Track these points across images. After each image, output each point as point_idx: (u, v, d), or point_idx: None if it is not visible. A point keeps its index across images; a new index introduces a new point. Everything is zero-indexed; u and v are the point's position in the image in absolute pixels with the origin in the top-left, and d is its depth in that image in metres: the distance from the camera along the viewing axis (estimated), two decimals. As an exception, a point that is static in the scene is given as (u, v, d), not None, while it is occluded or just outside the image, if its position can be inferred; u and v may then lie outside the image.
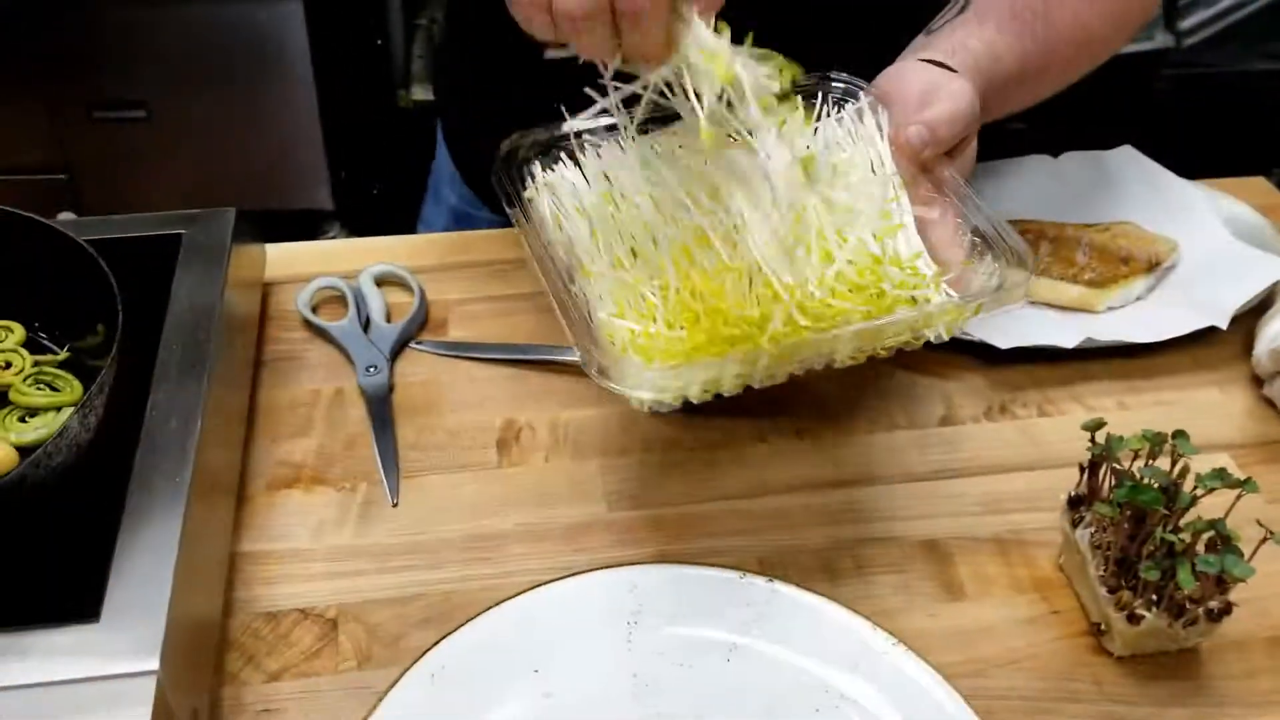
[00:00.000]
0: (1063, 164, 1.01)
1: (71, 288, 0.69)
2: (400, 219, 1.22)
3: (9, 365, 0.68)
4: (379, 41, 2.37)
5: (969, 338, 0.83)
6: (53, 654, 0.54)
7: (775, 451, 0.79)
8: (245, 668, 0.66)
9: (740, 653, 0.66)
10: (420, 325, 0.89)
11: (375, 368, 0.84)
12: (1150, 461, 0.65)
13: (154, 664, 0.53)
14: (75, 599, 0.57)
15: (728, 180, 0.65)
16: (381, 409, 0.81)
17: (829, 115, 0.74)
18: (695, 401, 0.64)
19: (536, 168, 0.73)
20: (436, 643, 0.65)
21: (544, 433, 0.80)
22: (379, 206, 2.20)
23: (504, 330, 0.89)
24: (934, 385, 0.84)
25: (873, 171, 0.71)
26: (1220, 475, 0.63)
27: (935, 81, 0.72)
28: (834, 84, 0.74)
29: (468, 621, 0.66)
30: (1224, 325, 0.85)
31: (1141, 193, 0.97)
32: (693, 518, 0.75)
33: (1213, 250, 0.91)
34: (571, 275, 0.67)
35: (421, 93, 2.41)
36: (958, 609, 0.70)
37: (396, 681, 0.63)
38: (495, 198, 0.73)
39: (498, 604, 0.68)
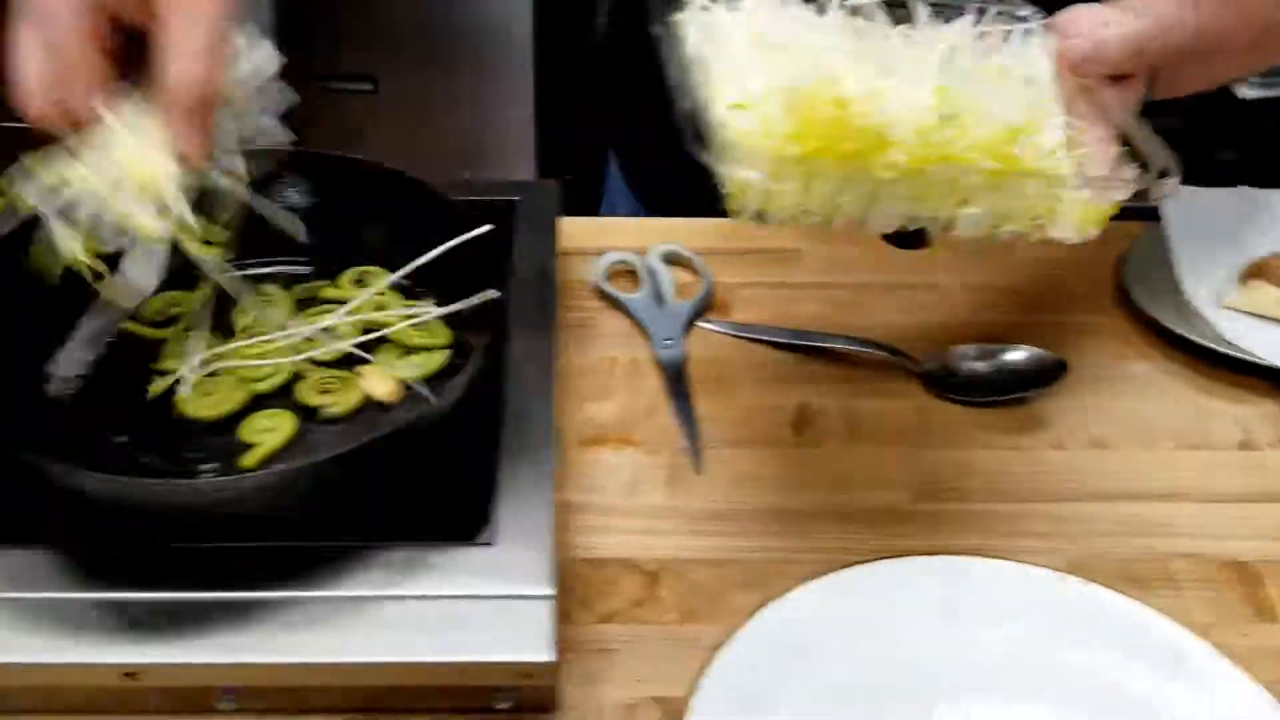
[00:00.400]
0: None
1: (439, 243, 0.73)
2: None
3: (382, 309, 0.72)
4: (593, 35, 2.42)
5: (1263, 362, 0.83)
6: (454, 570, 0.57)
7: (1073, 460, 0.80)
8: (577, 608, 0.68)
9: (1054, 651, 0.66)
10: (706, 305, 0.91)
11: (671, 341, 0.86)
12: None
13: (550, 589, 0.56)
14: (467, 524, 0.59)
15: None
16: (679, 381, 0.83)
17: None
18: (789, 219, 0.61)
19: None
20: (763, 605, 0.67)
21: (838, 419, 0.82)
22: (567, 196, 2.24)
23: (785, 315, 0.91)
24: (1228, 409, 0.84)
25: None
26: None
27: (1112, 18, 0.70)
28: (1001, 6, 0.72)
29: (795, 588, 0.68)
30: None
31: None
32: (995, 516, 0.76)
33: None
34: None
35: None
36: (1270, 630, 0.70)
37: (730, 638, 0.65)
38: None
39: (819, 575, 0.69)
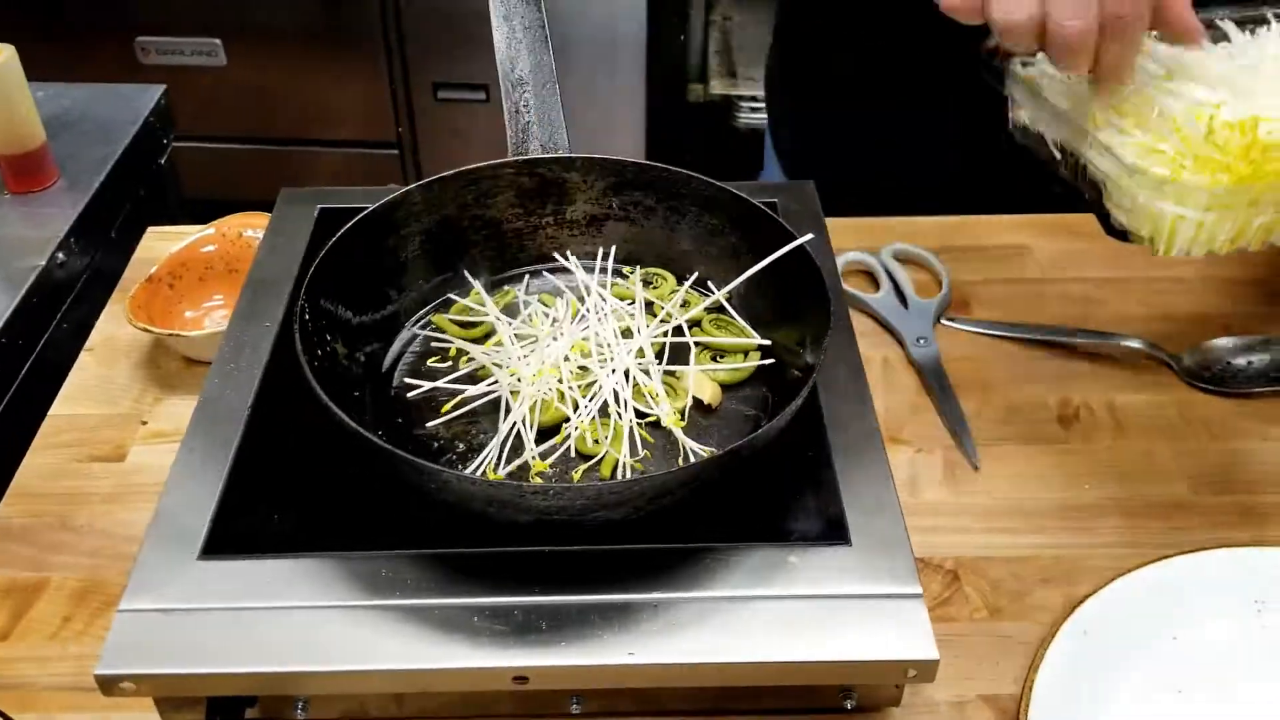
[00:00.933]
0: None
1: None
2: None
3: (685, 304, 0.73)
4: (681, 37, 2.43)
5: None
6: (817, 570, 0.57)
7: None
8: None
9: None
10: (948, 303, 0.91)
11: (924, 340, 0.87)
12: None
13: (917, 587, 0.56)
14: (821, 526, 0.60)
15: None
16: (939, 378, 0.84)
17: None
18: (1211, 248, 0.63)
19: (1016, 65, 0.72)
20: (1083, 601, 0.67)
21: (1103, 414, 0.82)
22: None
23: (1025, 312, 0.91)
24: None
25: None
26: None
27: None
28: None
29: (1105, 585, 0.68)
30: None
31: None
32: (1276, 506, 0.75)
33: None
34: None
35: (721, 87, 2.46)
36: None
37: (1053, 635, 0.66)
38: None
39: (1116, 568, 0.69)
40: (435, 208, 0.73)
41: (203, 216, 0.95)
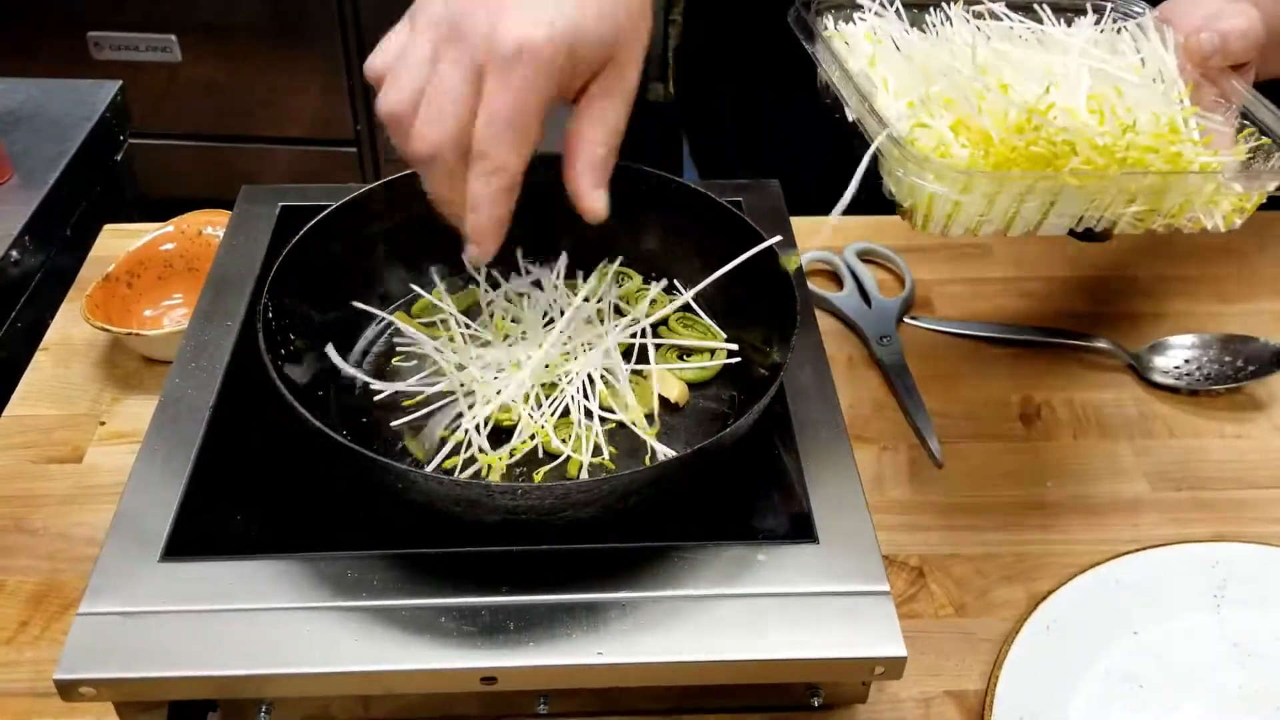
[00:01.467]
0: None
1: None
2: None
3: (653, 303, 0.73)
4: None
5: None
6: (786, 569, 0.58)
7: (1306, 446, 0.81)
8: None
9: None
10: (910, 302, 0.92)
11: (888, 338, 0.87)
12: None
13: (885, 584, 0.57)
14: (789, 523, 0.60)
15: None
16: (903, 377, 0.84)
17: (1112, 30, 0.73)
18: (970, 228, 0.62)
19: (829, 20, 0.72)
20: (1045, 597, 0.68)
21: (1064, 411, 0.83)
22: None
23: (985, 310, 0.92)
24: None
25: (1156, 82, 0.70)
26: None
27: (1219, 9, 0.71)
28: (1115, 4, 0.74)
29: (1067, 581, 0.69)
30: None
31: None
32: (1235, 502, 0.77)
33: None
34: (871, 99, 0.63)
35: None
36: None
37: (1017, 631, 0.66)
38: None
39: (1080, 567, 0.70)
40: (401, 205, 0.72)
41: (160, 214, 0.93)
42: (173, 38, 2.03)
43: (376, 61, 0.58)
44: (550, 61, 0.54)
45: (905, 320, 0.90)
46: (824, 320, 0.90)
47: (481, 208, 0.56)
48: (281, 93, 2.10)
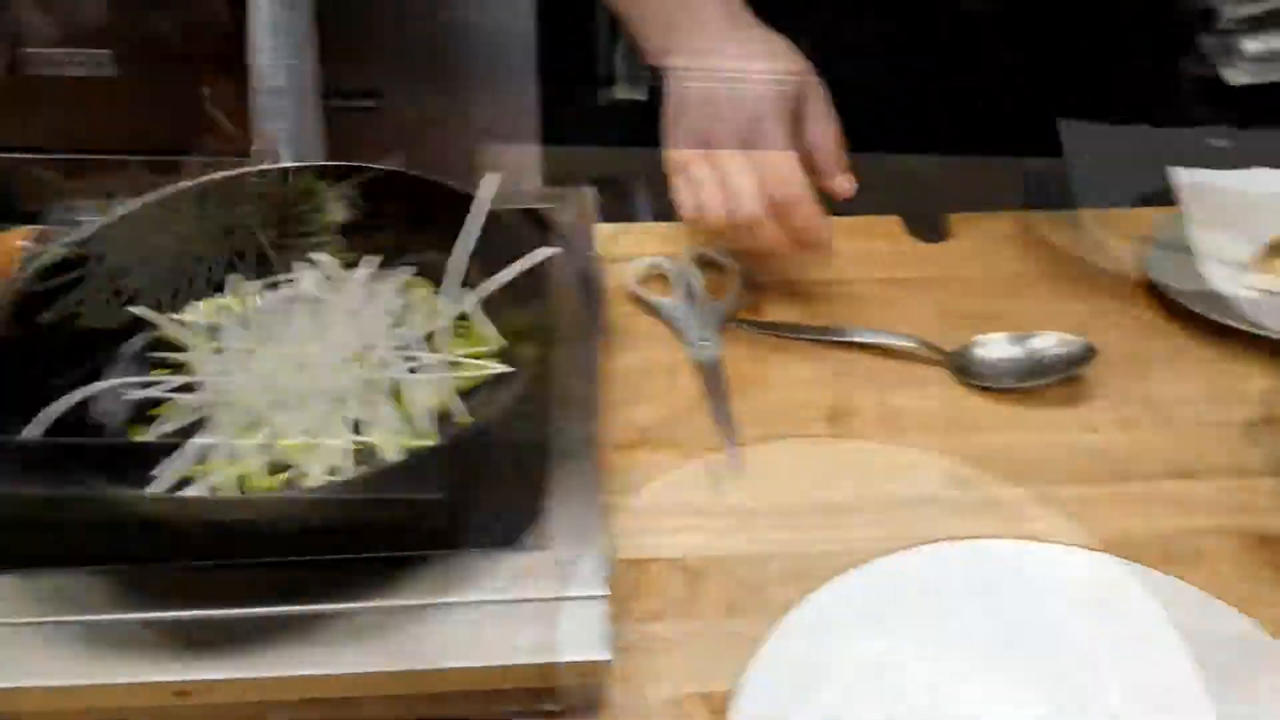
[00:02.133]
0: None
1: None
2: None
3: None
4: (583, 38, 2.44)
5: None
6: (505, 575, 0.59)
7: (1105, 441, 0.82)
8: (622, 609, 0.71)
9: (1091, 628, 0.68)
10: (738, 305, 0.93)
11: (706, 341, 0.89)
12: None
13: (603, 589, 0.58)
14: (518, 529, 0.62)
15: None
16: (716, 381, 0.86)
17: None
18: None
19: None
20: (805, 597, 0.69)
21: (872, 412, 0.84)
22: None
23: (816, 312, 0.93)
24: (1254, 387, 0.85)
25: None
26: None
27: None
28: None
29: (832, 579, 0.70)
30: None
31: None
32: (1031, 500, 0.78)
33: None
34: None
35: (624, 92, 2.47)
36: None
37: (771, 630, 0.68)
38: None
39: (858, 565, 0.71)
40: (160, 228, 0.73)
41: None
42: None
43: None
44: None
45: (733, 324, 0.92)
46: (652, 325, 0.92)
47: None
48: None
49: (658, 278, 0.96)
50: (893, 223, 1.03)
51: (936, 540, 0.73)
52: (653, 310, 0.92)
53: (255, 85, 0.78)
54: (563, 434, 0.67)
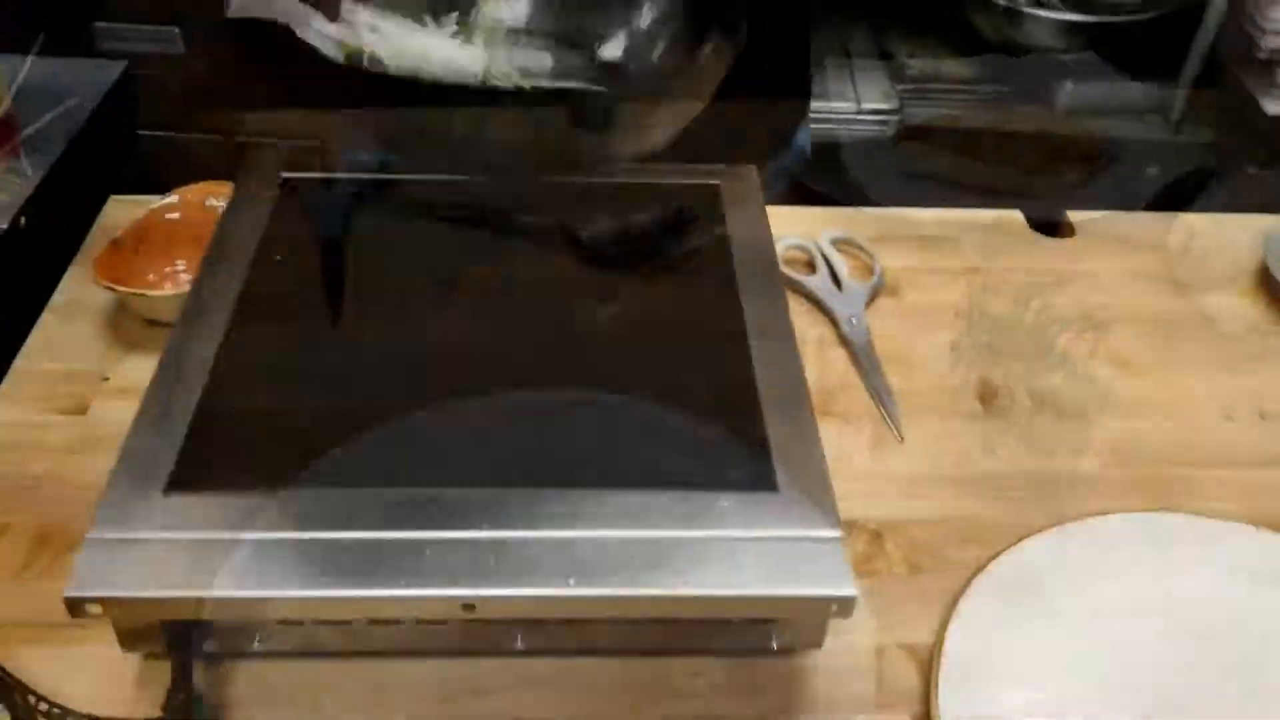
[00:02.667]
0: None
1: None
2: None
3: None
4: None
5: None
6: (745, 515, 0.62)
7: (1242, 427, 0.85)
8: (814, 562, 0.73)
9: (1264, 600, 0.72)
10: (879, 287, 0.96)
11: (855, 320, 0.92)
12: None
13: (838, 531, 0.61)
14: (749, 474, 0.65)
15: None
16: (868, 356, 0.89)
17: None
18: None
19: None
20: (994, 557, 0.72)
21: (1021, 392, 0.87)
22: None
23: (954, 298, 0.96)
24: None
25: None
26: None
27: None
28: None
29: (1017, 542, 0.73)
30: None
31: None
32: (1182, 480, 0.81)
33: None
34: None
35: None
36: None
37: (965, 588, 0.71)
38: None
39: (1039, 531, 0.74)
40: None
41: (164, 188, 0.97)
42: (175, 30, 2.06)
43: None
44: None
45: (875, 305, 0.95)
46: (797, 302, 0.95)
47: None
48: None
49: (798, 259, 0.99)
50: (1013, 217, 1.07)
51: (1099, 514, 0.76)
52: (796, 286, 0.95)
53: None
54: (777, 391, 0.69)
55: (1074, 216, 1.07)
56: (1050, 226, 1.06)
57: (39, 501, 0.75)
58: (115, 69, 1.17)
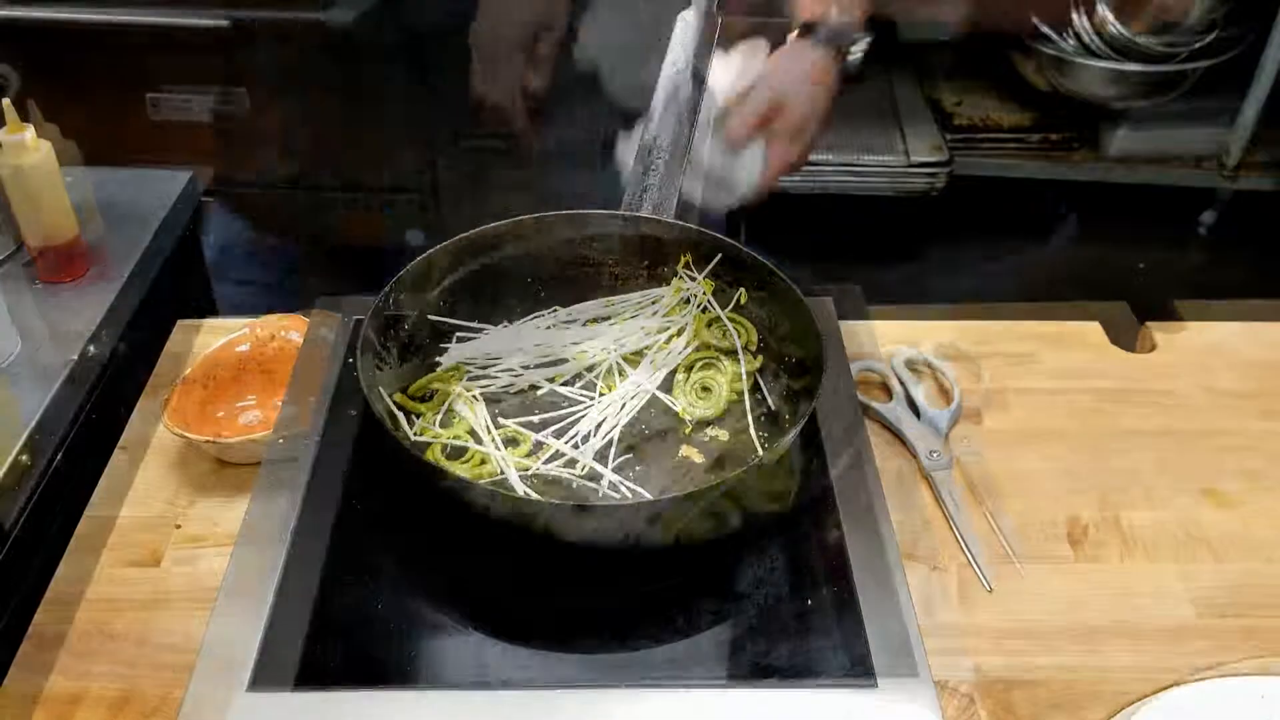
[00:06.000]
0: None
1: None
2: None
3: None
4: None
5: None
6: (844, 712, 0.60)
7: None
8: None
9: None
10: (959, 414, 0.94)
11: (937, 453, 0.89)
12: None
13: (941, 726, 0.59)
14: (841, 660, 0.63)
15: None
16: (952, 493, 0.87)
17: None
18: None
19: None
20: (1094, 731, 0.70)
21: (1110, 531, 0.85)
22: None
23: (1037, 424, 0.94)
24: None
25: None
26: None
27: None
28: None
29: (1116, 714, 0.71)
30: None
31: None
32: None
33: None
34: None
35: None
36: None
37: (1066, 766, 0.68)
38: None
39: (1125, 695, 0.72)
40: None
41: (231, 300, 0.97)
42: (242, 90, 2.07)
43: None
44: None
45: (956, 432, 0.92)
46: (873, 431, 0.93)
47: None
48: (349, 146, 2.13)
49: (870, 382, 0.97)
50: (1095, 330, 1.04)
51: (1195, 671, 0.73)
52: (872, 414, 0.93)
53: (640, 136, 0.85)
54: (867, 556, 0.67)
55: (1154, 328, 1.04)
56: (1130, 339, 1.04)
57: (117, 664, 0.75)
58: (181, 178, 1.16)
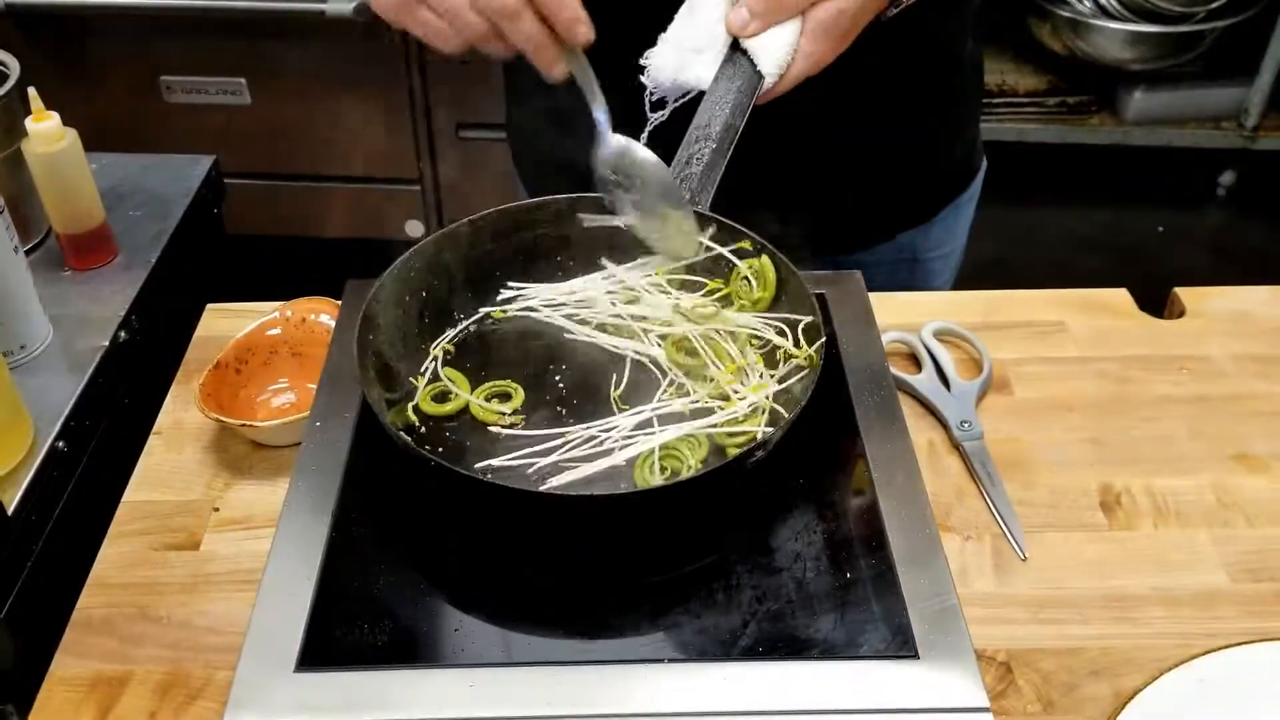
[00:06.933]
0: None
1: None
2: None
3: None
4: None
5: None
6: (888, 685, 0.60)
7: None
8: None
9: None
10: (989, 384, 0.94)
11: (968, 424, 0.89)
12: None
13: (984, 701, 0.59)
14: (886, 635, 0.63)
15: None
16: (984, 463, 0.87)
17: None
18: None
19: None
20: (1132, 696, 0.70)
21: (1143, 498, 0.85)
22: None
23: (1066, 392, 0.94)
24: None
25: None
26: None
27: None
28: None
29: (1153, 680, 0.71)
30: None
31: None
32: (1319, 595, 0.78)
33: None
34: None
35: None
36: None
37: (1107, 731, 0.69)
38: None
39: (1165, 662, 0.72)
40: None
41: (253, 284, 0.97)
42: (243, 81, 2.08)
43: None
44: None
45: (985, 403, 0.92)
46: (903, 403, 0.93)
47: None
48: (347, 134, 2.15)
49: (900, 354, 0.97)
50: (1123, 297, 1.04)
51: (1230, 636, 0.74)
52: (903, 387, 0.93)
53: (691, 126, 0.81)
54: (904, 528, 0.68)
55: (1183, 293, 1.03)
56: (1159, 304, 1.04)
57: (161, 647, 0.76)
58: (205, 163, 1.17)
